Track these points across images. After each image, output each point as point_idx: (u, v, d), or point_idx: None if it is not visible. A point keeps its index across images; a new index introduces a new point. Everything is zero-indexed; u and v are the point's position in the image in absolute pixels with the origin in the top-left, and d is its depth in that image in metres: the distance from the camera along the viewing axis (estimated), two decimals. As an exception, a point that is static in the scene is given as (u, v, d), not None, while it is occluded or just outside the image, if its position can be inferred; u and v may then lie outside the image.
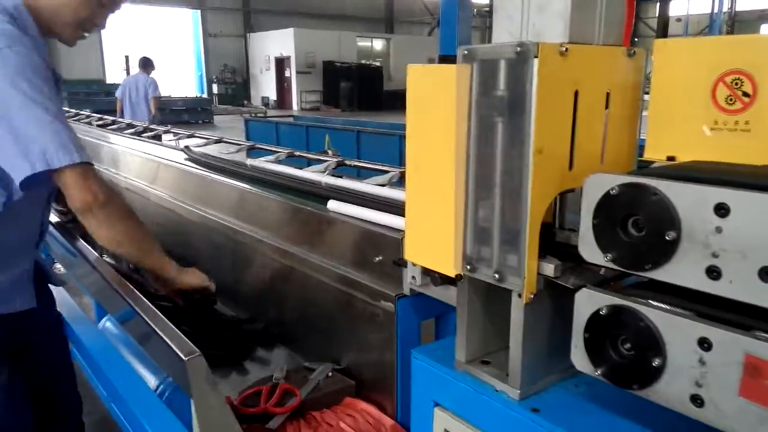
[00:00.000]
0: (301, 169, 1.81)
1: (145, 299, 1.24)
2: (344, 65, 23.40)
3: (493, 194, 0.90)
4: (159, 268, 1.41)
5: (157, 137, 3.24)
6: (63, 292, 1.77)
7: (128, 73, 20.69)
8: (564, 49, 0.83)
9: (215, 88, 25.89)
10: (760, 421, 0.68)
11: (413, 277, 1.11)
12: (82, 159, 1.20)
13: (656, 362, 0.76)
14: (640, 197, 0.75)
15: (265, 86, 26.25)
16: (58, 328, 1.72)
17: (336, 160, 1.96)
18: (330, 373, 1.32)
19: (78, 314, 1.71)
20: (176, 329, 1.08)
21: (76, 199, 1.22)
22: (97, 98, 18.42)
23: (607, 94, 0.92)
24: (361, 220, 1.34)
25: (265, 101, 24.86)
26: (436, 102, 0.95)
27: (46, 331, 1.69)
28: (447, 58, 0.95)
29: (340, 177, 1.66)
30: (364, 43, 25.88)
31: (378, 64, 24.91)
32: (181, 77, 27.12)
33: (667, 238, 0.73)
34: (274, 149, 2.08)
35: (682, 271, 0.73)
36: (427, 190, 1.00)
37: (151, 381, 1.42)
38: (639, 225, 0.76)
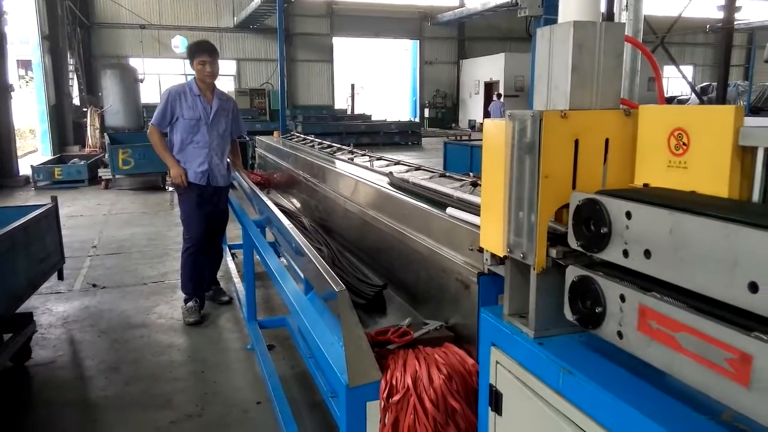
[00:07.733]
0: (445, 186, 2.42)
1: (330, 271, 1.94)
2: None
3: (523, 204, 1.41)
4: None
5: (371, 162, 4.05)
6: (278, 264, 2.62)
7: (353, 99, 23.88)
8: (563, 114, 1.32)
9: (426, 112, 27.70)
10: (646, 344, 1.11)
11: (486, 259, 1.64)
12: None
13: (599, 310, 1.22)
14: (592, 207, 1.22)
15: (473, 109, 27.34)
16: (224, 213, 4.77)
17: (471, 180, 2.53)
18: (438, 327, 1.90)
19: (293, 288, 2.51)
20: (341, 282, 1.75)
21: None
22: (325, 121, 20.98)
23: (607, 140, 1.38)
24: (465, 221, 1.90)
25: (472, 124, 25.86)
26: (496, 143, 1.49)
27: (217, 205, 4.62)
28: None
29: (467, 192, 2.24)
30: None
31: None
32: (397, 102, 29.39)
33: (602, 231, 1.19)
34: (458, 177, 2.71)
35: (612, 252, 1.18)
36: (490, 201, 1.54)
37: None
38: (592, 224, 1.23)
